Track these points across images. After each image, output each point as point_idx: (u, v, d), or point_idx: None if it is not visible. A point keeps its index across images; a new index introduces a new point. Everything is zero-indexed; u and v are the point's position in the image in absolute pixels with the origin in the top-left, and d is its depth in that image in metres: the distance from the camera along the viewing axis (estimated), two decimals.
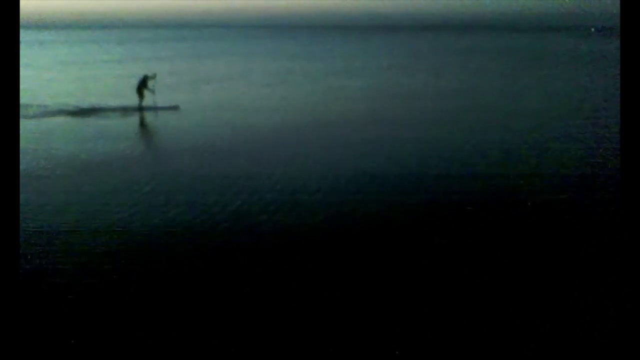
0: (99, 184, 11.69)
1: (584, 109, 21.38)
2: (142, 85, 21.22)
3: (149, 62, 47.30)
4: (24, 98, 22.55)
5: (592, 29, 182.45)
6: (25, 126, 17.39)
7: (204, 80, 33.35)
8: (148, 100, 21.08)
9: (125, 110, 21.20)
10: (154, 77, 21.29)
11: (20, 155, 12.94)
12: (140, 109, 21.10)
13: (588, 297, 6.78)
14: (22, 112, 19.49)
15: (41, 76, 34.42)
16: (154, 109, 21.07)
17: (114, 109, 21.41)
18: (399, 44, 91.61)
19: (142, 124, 19.98)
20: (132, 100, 21.44)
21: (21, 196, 9.93)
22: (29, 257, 7.99)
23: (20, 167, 12.02)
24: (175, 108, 21.54)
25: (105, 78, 34.30)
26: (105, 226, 9.27)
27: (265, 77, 35.22)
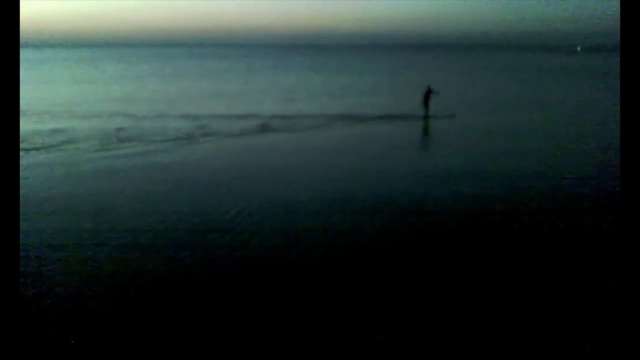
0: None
1: None
2: (427, 96, 22.82)
3: (235, 76, 53.71)
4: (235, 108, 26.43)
5: (578, 48, 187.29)
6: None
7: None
8: (427, 109, 22.72)
9: (412, 119, 22.68)
10: (435, 89, 23.24)
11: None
12: (426, 117, 22.61)
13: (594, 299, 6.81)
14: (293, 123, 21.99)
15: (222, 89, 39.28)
16: (435, 117, 22.58)
17: (405, 117, 23.02)
18: (442, 62, 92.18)
19: (444, 129, 20.77)
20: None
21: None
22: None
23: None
24: (451, 116, 22.82)
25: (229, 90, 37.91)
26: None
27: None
